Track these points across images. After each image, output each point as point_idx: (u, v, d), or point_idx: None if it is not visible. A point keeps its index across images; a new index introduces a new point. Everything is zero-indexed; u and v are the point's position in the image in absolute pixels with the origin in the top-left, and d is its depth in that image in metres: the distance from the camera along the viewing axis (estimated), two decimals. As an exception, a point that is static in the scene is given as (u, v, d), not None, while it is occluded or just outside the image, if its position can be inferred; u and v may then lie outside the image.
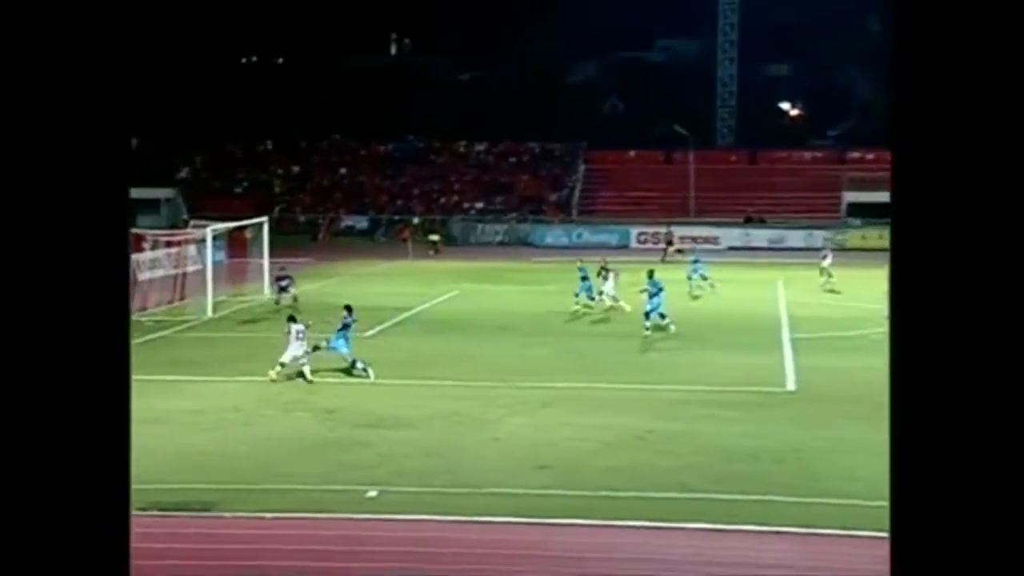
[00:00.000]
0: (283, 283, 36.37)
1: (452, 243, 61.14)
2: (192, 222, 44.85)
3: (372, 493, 16.75)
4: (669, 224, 56.83)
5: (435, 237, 58.85)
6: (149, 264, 41.50)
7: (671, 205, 65.66)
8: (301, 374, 24.93)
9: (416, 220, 65.43)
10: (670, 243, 53.05)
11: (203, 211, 56.42)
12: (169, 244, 41.52)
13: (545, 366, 27.03)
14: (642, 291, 31.18)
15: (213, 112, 72.90)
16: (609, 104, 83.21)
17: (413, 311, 35.86)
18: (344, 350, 25.72)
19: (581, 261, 36.65)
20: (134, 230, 41.82)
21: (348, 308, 26.95)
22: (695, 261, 40.94)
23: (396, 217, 67.34)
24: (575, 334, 31.48)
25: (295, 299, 35.49)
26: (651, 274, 31.83)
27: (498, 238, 64.05)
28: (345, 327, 26.08)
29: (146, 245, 41.16)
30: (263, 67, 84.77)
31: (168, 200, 68.18)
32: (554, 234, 63.71)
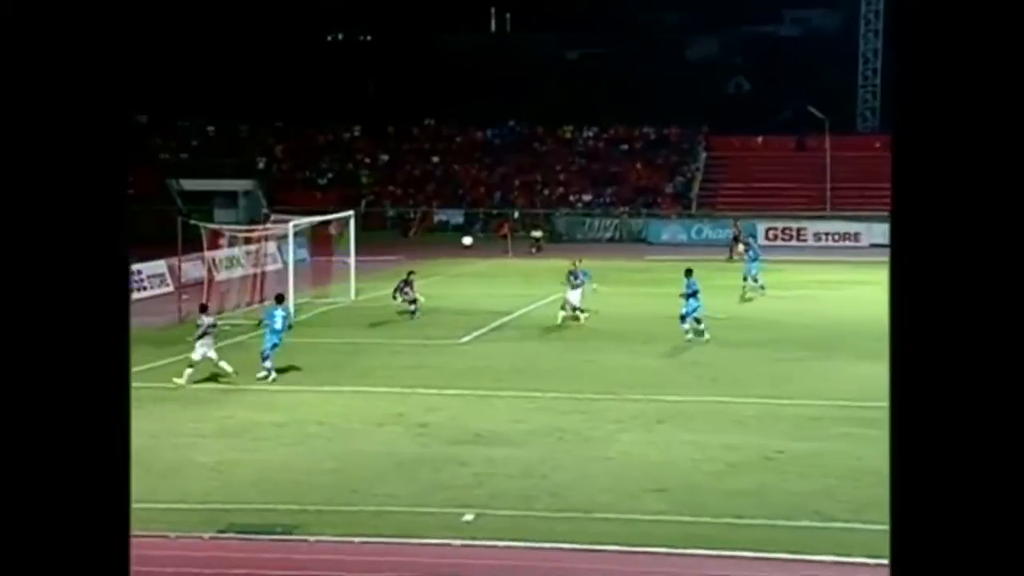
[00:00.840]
0: (407, 290, 35.91)
1: (556, 240, 61.23)
2: (272, 216, 45.62)
3: (468, 517, 16.86)
4: (737, 219, 56.14)
5: (537, 233, 59.02)
6: (226, 263, 42.40)
7: (803, 197, 64.87)
8: (215, 374, 26.10)
9: (516, 214, 65.70)
10: (736, 239, 51.54)
11: (284, 204, 57.46)
12: (248, 241, 42.33)
13: (660, 377, 26.93)
14: (683, 295, 31.46)
15: (295, 95, 74.11)
16: (733, 84, 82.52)
17: (513, 315, 36.00)
18: (268, 345, 26.83)
19: (579, 262, 36.73)
20: (210, 225, 42.75)
21: (279, 298, 28.72)
22: (753, 260, 40.87)
23: (494, 211, 67.70)
24: (693, 341, 31.29)
25: (414, 302, 35.31)
26: (688, 273, 32.14)
27: (607, 234, 63.98)
28: (272, 321, 27.11)
29: (223, 242, 42.04)
30: (350, 45, 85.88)
31: (247, 193, 69.51)
32: (671, 230, 63.41)
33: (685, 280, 31.75)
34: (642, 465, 19.62)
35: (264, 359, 26.47)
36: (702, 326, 31.37)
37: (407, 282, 36.01)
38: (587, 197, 69.57)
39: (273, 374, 26.42)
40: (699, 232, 62.16)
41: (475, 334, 32.68)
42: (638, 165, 71.72)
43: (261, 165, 73.71)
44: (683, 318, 31.24)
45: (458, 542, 15.96)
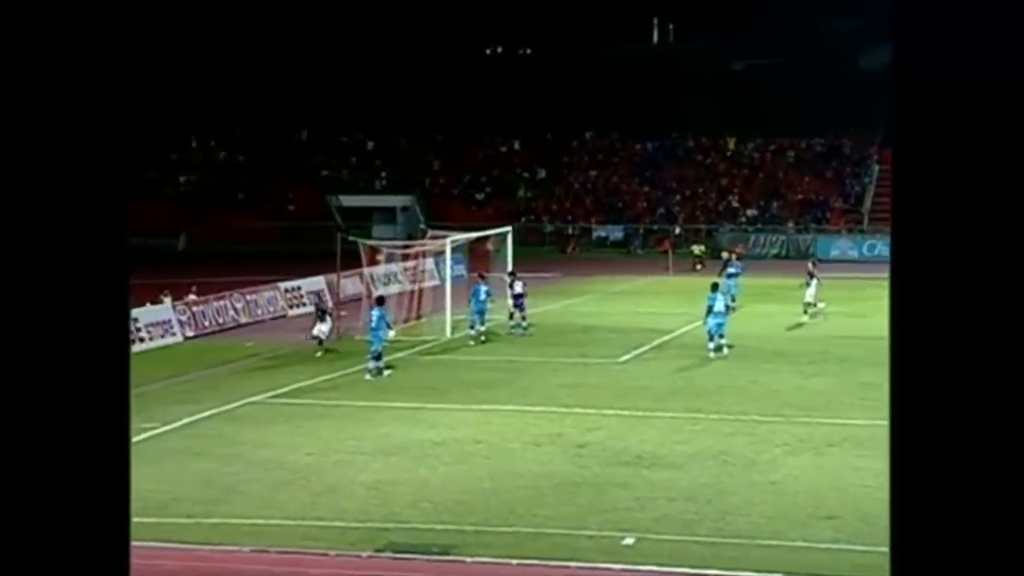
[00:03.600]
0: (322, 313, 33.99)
1: (720, 256, 60.63)
2: (429, 232, 46.24)
3: (629, 540, 16.82)
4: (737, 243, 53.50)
5: (700, 249, 58.58)
6: (384, 279, 43.14)
7: (984, 211, 62.99)
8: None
9: (678, 230, 65.33)
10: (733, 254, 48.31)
11: (442, 220, 58.24)
12: (405, 257, 42.99)
13: (830, 399, 26.43)
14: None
15: (454, 109, 75.09)
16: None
17: (674, 334, 35.80)
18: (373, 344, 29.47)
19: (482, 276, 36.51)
20: (368, 241, 43.56)
21: (379, 300, 31.28)
22: (731, 275, 39.71)
23: (655, 226, 67.44)
24: (865, 363, 30.64)
25: (321, 343, 32.91)
26: (714, 287, 32.55)
27: (774, 250, 63.15)
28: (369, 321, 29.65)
29: (381, 258, 42.79)
30: (509, 59, 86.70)
31: (405, 208, 70.63)
32: (840, 246, 62.24)
33: (710, 292, 32.21)
34: (810, 491, 19.28)
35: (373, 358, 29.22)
36: (719, 343, 31.47)
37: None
38: (752, 211, 68.78)
39: (369, 374, 28.89)
40: (872, 248, 60.83)
41: (634, 353, 32.59)
42: (806, 178, 70.63)
43: (420, 176, 74.75)
44: (711, 335, 31.59)
45: (618, 567, 15.93)
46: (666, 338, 35.10)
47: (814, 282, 38.03)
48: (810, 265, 40.20)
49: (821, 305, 37.69)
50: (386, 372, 29.14)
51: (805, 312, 37.66)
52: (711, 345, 31.55)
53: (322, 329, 33.07)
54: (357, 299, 38.37)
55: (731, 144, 73.77)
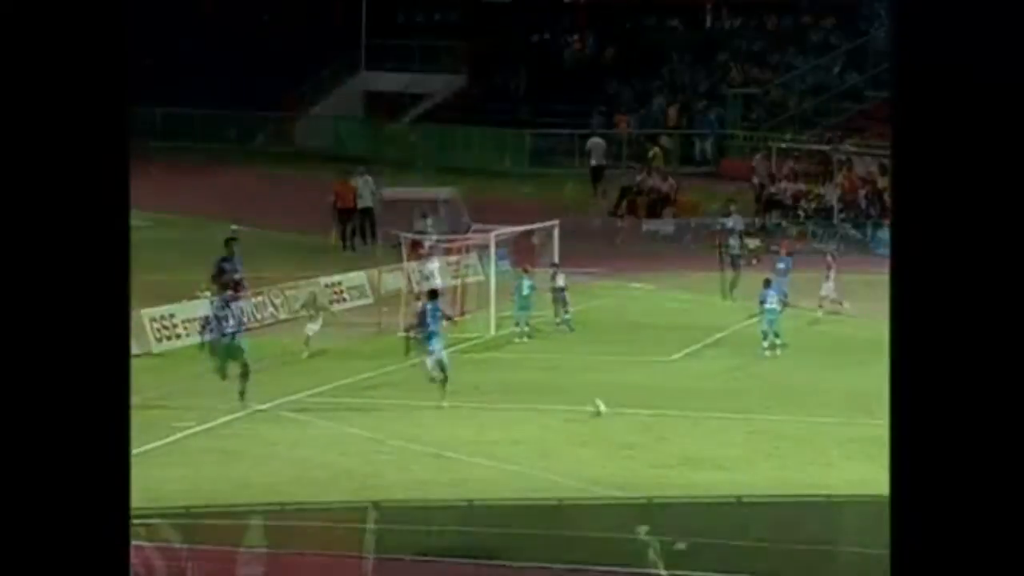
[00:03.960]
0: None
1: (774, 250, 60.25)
2: (473, 225, 46.16)
3: (680, 545, 16.74)
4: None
5: (754, 243, 58.16)
6: (427, 273, 43.12)
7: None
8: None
9: (731, 223, 64.89)
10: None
11: (486, 213, 58.15)
12: (448, 251, 42.95)
13: (889, 400, 26.18)
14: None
15: (497, 98, 75.09)
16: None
17: (729, 330, 35.55)
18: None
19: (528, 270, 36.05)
20: (409, 235, 43.47)
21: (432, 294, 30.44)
22: (779, 271, 37.94)
23: (708, 219, 67.04)
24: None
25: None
26: (767, 283, 32.74)
27: (832, 244, 62.62)
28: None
29: (423, 252, 42.76)
30: (555, 46, 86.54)
31: (447, 200, 70.58)
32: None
33: (761, 290, 32.28)
34: (869, 495, 19.08)
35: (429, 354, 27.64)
36: (772, 340, 31.32)
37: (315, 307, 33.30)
38: (810, 203, 68.21)
39: (429, 359, 27.24)
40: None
41: (686, 351, 32.39)
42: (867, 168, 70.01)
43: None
44: (765, 333, 31.51)
45: (669, 572, 15.86)
46: (719, 335, 34.86)
47: (831, 274, 37.62)
48: (828, 258, 39.81)
49: (825, 305, 37.25)
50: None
51: (841, 304, 37.21)
52: (765, 343, 31.38)
53: (312, 328, 32.30)
54: (396, 294, 38.39)
55: (787, 133, 73.22)
